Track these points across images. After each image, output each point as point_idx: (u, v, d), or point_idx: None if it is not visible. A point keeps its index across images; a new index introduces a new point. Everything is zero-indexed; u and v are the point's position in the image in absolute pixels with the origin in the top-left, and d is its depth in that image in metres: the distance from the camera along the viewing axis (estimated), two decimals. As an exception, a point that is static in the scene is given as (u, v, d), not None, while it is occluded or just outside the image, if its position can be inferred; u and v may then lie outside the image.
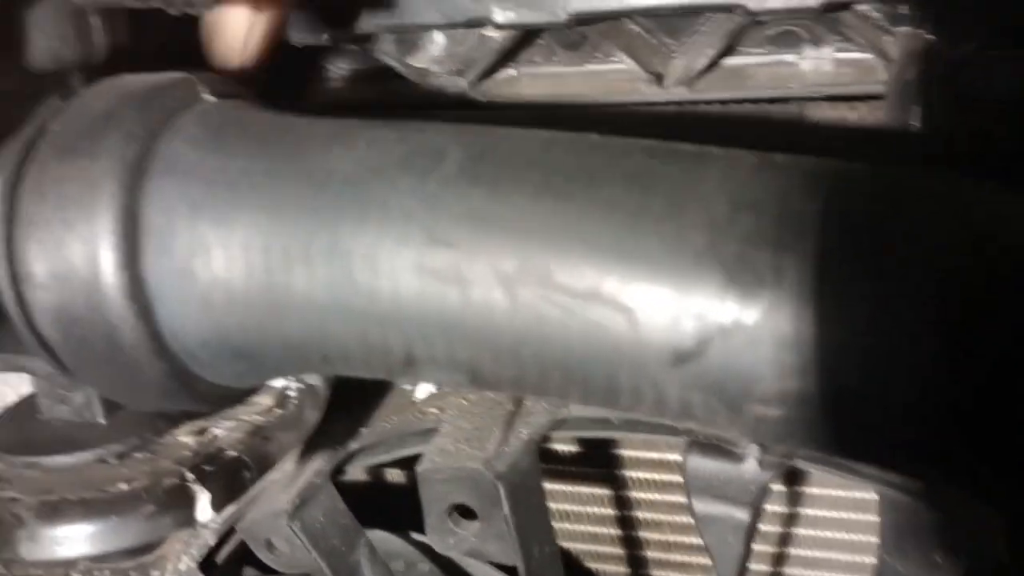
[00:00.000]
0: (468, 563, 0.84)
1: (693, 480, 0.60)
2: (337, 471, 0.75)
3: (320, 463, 0.72)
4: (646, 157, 0.39)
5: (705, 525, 0.60)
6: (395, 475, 0.92)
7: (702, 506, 0.59)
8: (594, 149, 0.41)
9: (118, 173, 0.40)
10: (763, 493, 0.59)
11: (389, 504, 0.83)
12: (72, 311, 0.41)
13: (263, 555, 0.78)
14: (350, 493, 0.74)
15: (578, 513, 0.87)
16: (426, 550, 0.83)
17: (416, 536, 0.82)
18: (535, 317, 0.38)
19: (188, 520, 0.52)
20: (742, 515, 0.59)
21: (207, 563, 0.72)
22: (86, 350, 0.42)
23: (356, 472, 0.78)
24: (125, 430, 0.53)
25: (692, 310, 0.36)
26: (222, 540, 0.73)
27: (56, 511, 0.50)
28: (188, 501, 0.52)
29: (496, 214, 0.38)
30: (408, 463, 0.80)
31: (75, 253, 0.40)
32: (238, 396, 0.52)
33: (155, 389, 0.44)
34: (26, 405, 0.57)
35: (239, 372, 0.45)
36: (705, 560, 0.88)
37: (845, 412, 0.35)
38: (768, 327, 0.35)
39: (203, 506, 0.52)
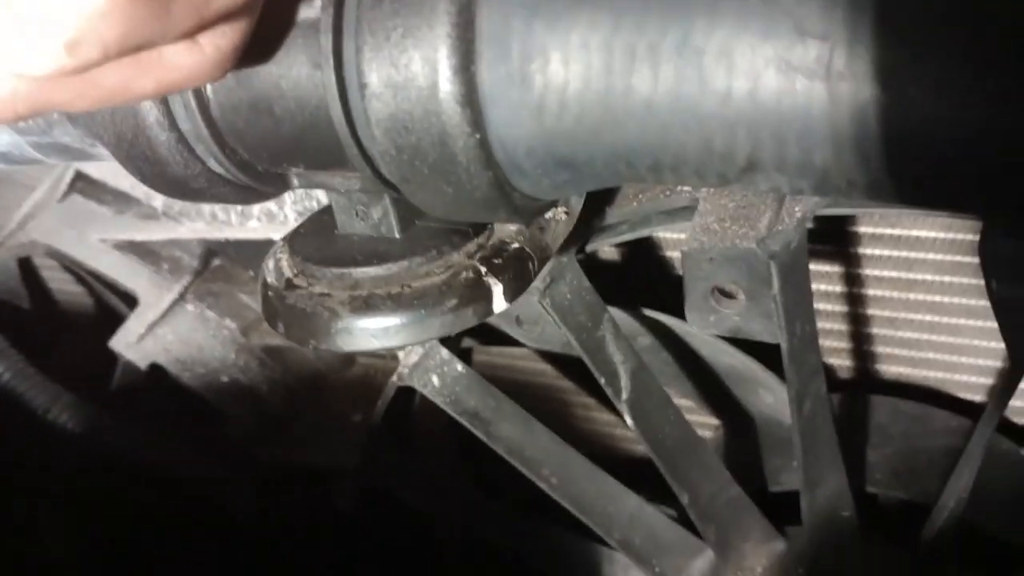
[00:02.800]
0: (686, 332, 0.85)
1: (993, 262, 0.56)
2: (580, 250, 0.75)
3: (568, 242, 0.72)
4: None
5: (1005, 309, 0.57)
6: (609, 253, 0.92)
7: (1004, 289, 0.56)
8: None
9: None
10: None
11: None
12: (405, 120, 0.40)
13: (512, 330, 0.81)
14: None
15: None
16: (648, 324, 0.85)
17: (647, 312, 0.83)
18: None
19: (487, 311, 0.53)
20: (1051, 298, 0.55)
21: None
22: (417, 159, 0.41)
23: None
24: (422, 242, 0.53)
25: None
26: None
27: (367, 305, 0.51)
28: (486, 294, 0.52)
29: None
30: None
31: (414, 60, 0.38)
32: (544, 209, 0.50)
33: (477, 200, 0.43)
34: (318, 221, 0.57)
35: (557, 183, 0.43)
36: (929, 336, 0.87)
37: None
38: None
39: (498, 298, 0.53)
